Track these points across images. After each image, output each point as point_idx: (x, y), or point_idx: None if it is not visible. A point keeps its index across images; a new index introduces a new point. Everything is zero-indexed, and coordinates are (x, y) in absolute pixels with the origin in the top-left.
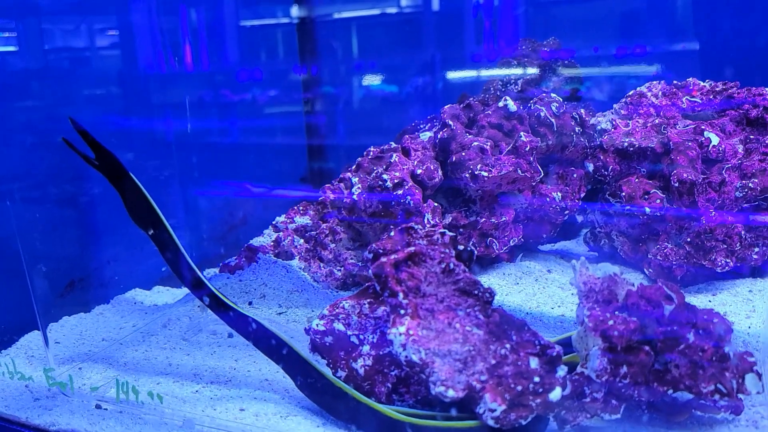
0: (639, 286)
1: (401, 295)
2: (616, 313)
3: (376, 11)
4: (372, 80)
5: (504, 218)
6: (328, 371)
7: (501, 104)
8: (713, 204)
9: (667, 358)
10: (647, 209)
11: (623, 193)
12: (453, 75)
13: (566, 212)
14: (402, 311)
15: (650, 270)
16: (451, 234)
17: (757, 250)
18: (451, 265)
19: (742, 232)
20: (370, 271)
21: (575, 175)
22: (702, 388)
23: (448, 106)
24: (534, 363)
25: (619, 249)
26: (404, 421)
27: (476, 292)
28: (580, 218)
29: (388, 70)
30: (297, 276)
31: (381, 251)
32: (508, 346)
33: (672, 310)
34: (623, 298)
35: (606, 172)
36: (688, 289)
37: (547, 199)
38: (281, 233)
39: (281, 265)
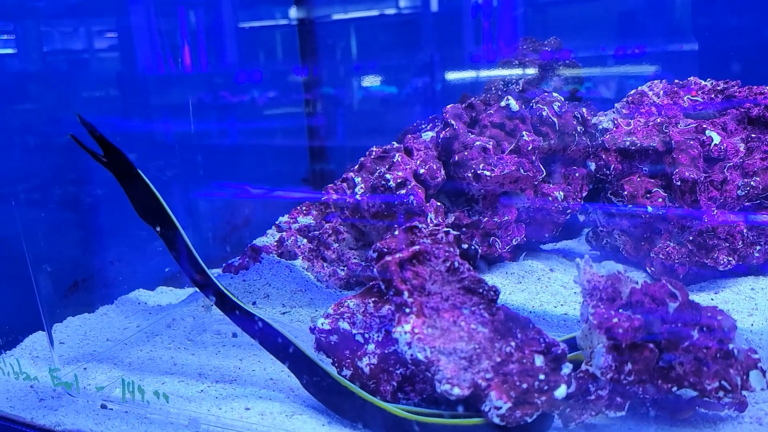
0: (643, 283)
1: (406, 293)
2: (621, 311)
3: (375, 12)
4: (372, 81)
5: (506, 218)
6: (333, 370)
7: (503, 104)
8: (715, 203)
9: (672, 356)
10: (649, 208)
11: (625, 192)
12: (453, 76)
13: (568, 211)
14: (407, 310)
15: (653, 269)
16: (455, 233)
17: (759, 248)
18: (456, 264)
19: (744, 231)
20: (374, 270)
21: (577, 175)
22: (706, 386)
23: (450, 105)
24: (539, 361)
25: (621, 248)
26: (411, 419)
27: (481, 290)
28: (582, 217)
29: (388, 71)
30: (300, 276)
31: (385, 250)
32: (513, 344)
33: (676, 307)
34: (627, 296)
35: (608, 171)
36: (690, 287)
37: (550, 198)
38: (284, 233)
39: (285, 265)
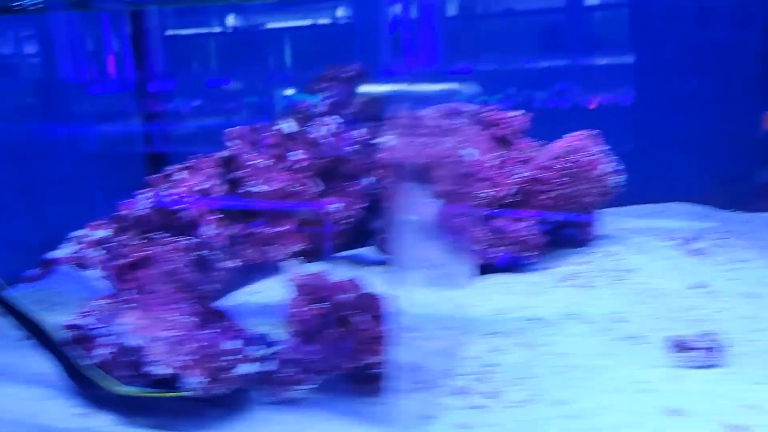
0: (331, 281)
1: (130, 292)
2: (310, 304)
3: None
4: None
5: (283, 228)
6: (80, 359)
7: (283, 125)
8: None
9: (344, 337)
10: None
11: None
12: (282, 93)
13: (343, 222)
14: (130, 306)
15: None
16: (186, 241)
17: (500, 249)
18: (176, 267)
19: (486, 234)
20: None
21: (352, 189)
22: (370, 360)
23: (236, 127)
24: (233, 344)
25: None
26: (127, 394)
27: (193, 289)
28: (374, 226)
29: (227, 83)
30: (92, 285)
31: (122, 256)
32: (212, 332)
33: (351, 297)
34: (318, 291)
35: (380, 186)
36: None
37: (324, 210)
38: (80, 245)
39: (78, 275)
